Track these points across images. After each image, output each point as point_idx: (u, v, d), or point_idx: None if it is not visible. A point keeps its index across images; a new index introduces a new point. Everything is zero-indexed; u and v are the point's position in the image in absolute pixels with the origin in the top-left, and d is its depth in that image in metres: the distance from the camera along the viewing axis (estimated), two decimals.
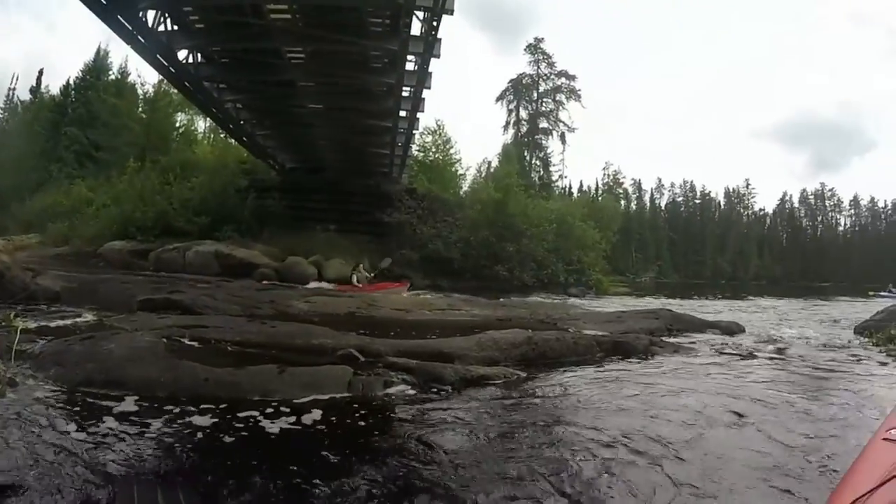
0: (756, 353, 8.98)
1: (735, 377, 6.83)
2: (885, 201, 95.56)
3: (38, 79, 53.37)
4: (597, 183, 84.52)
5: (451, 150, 43.90)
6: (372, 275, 20.84)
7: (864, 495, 1.87)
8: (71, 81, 48.07)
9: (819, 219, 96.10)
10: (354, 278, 20.35)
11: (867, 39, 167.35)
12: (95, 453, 3.35)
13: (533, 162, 64.14)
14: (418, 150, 40.64)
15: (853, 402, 5.61)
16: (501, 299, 18.98)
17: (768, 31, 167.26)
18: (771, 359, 8.53)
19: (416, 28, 15.86)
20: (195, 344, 6.74)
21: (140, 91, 42.67)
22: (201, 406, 4.42)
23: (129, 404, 4.41)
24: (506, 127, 68.59)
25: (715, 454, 3.90)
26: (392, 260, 24.35)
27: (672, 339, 9.86)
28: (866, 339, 10.92)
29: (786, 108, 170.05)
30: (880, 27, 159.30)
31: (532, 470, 3.48)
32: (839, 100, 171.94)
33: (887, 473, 1.99)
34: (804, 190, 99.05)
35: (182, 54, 18.46)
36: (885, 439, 2.41)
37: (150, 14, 15.63)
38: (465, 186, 44.76)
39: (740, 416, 4.92)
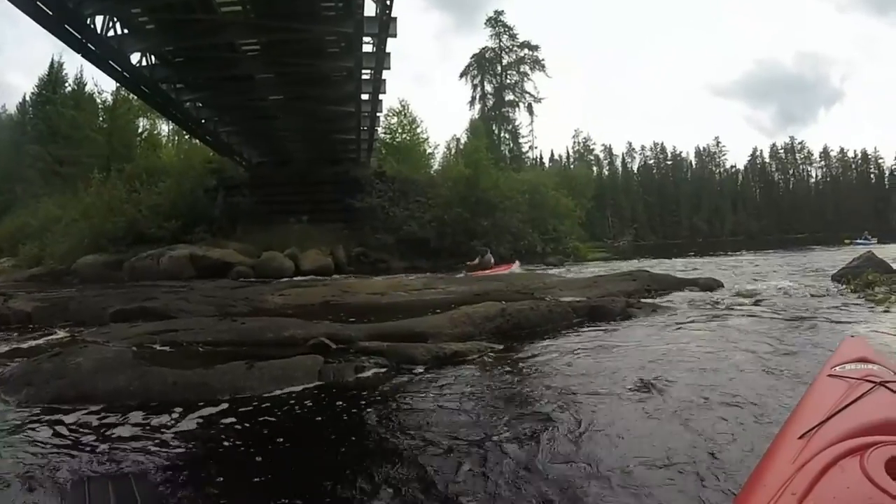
0: (734, 307, 9.04)
1: (711, 332, 6.89)
2: (855, 151, 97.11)
3: None
4: (567, 151, 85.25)
5: (419, 130, 43.80)
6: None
7: (811, 429, 1.90)
8: (27, 98, 47.12)
9: (791, 172, 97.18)
10: (490, 258, 21.49)
11: None
12: (56, 470, 3.25)
13: (502, 135, 64.13)
14: (384, 133, 40.34)
15: (821, 345, 5.67)
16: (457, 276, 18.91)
17: None
18: (748, 311, 8.59)
19: (370, 9, 15.68)
20: (166, 349, 6.63)
21: (98, 100, 42.00)
22: (170, 411, 4.32)
23: (97, 417, 4.28)
24: (472, 102, 68.63)
25: (684, 408, 3.93)
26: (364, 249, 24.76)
27: (650, 300, 9.89)
28: (844, 286, 10.95)
29: (747, 63, 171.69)
30: None
31: (499, 444, 3.45)
32: (799, 51, 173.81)
33: (833, 408, 2.03)
34: (774, 144, 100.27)
35: (135, 58, 18.14)
36: (829, 375, 2.47)
37: (99, 20, 15.29)
38: (436, 165, 44.75)
39: (713, 368, 4.99)
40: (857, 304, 8.89)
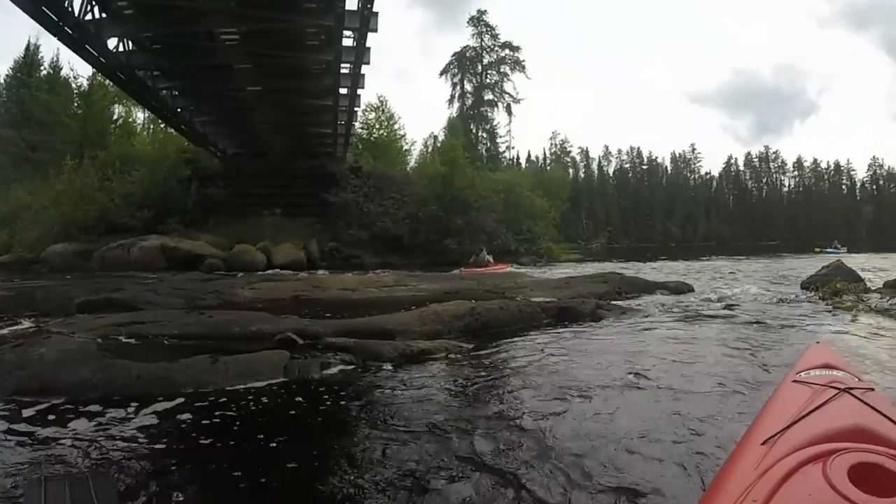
0: (702, 311, 9.11)
1: (679, 335, 6.94)
2: (828, 162, 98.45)
3: None
4: (544, 153, 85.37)
5: (396, 127, 43.75)
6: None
7: (774, 435, 1.91)
8: (1, 80, 45.90)
9: (764, 181, 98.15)
10: (487, 257, 21.90)
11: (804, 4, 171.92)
12: (12, 467, 3.19)
13: (479, 134, 63.92)
14: (362, 128, 40.26)
15: (788, 351, 5.73)
16: (452, 272, 18.98)
17: None
18: (717, 315, 8.66)
19: (351, 2, 15.64)
20: (132, 341, 6.53)
21: (74, 85, 41.05)
22: (132, 404, 4.27)
23: (58, 410, 4.20)
24: (451, 101, 67.95)
25: (634, 412, 3.96)
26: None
27: (620, 302, 9.95)
28: (812, 294, 11.07)
29: (726, 72, 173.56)
30: None
31: (459, 439, 3.48)
32: (778, 63, 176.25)
33: (797, 414, 2.04)
34: (749, 153, 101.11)
35: (112, 43, 17.86)
36: (794, 381, 2.48)
37: (77, 2, 15.06)
38: (413, 162, 44.75)
39: (679, 369, 5.05)
40: (824, 312, 9.01)
